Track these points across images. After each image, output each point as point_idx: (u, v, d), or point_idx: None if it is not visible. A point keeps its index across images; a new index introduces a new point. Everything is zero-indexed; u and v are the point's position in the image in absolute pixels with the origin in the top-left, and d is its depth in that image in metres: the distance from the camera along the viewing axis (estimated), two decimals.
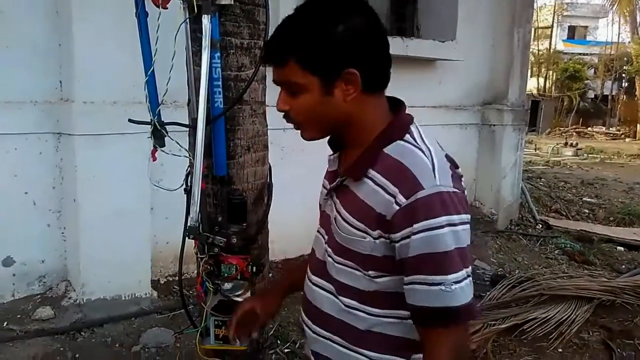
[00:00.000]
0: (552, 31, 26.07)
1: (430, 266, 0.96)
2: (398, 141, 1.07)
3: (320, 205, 1.27)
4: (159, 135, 1.54)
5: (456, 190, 1.00)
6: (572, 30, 29.63)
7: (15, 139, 3.01)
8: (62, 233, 3.21)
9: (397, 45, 4.56)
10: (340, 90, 1.07)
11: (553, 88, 25.64)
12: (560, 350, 3.23)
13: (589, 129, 22.77)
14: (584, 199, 7.43)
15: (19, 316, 2.95)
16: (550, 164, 11.78)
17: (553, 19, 25.94)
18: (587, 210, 6.84)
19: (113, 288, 3.18)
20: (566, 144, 16.73)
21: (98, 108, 3.04)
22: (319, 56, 1.03)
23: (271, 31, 1.14)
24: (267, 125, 1.73)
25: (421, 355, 1.04)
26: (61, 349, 2.74)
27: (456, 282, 0.95)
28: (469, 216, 1.00)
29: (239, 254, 1.54)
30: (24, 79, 3.01)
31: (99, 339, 2.87)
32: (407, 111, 1.20)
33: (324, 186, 1.26)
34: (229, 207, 1.57)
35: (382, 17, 5.03)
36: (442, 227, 0.95)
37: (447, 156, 1.10)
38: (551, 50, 25.92)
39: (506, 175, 5.62)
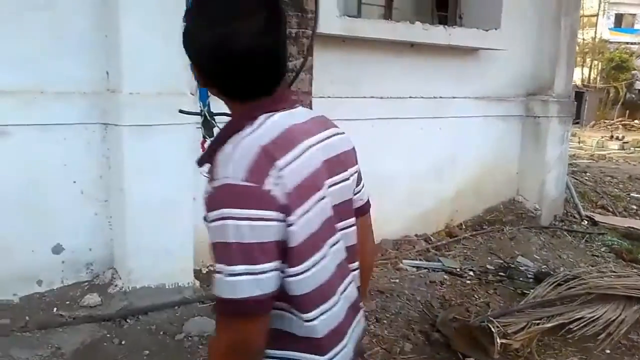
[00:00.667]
0: (597, 19, 25.13)
1: (216, 254, 0.95)
2: (236, 134, 1.02)
3: None
4: (208, 126, 1.53)
5: (249, 184, 0.94)
6: (618, 18, 28.47)
7: (64, 129, 3.08)
8: (109, 222, 3.28)
9: (440, 34, 4.47)
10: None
11: (598, 79, 24.76)
12: (607, 351, 3.12)
13: (636, 121, 21.90)
14: (631, 194, 7.14)
15: (67, 302, 3.03)
16: (595, 158, 11.40)
17: (599, 6, 25.00)
18: (635, 207, 6.58)
19: (157, 276, 3.23)
20: (612, 137, 16.17)
21: (143, 99, 3.08)
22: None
23: None
24: None
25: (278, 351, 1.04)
26: (108, 335, 2.81)
27: (231, 275, 0.92)
28: (263, 212, 0.94)
29: None
30: (72, 70, 3.07)
31: (144, 326, 2.93)
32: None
33: None
34: None
35: (425, 5, 4.96)
36: (221, 219, 0.93)
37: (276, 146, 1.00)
38: (596, 40, 25.01)
39: (551, 170, 5.46)
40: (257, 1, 1.00)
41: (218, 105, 3.39)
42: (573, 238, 5.18)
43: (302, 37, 1.57)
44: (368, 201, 1.26)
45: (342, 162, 1.13)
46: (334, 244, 1.07)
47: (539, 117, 5.39)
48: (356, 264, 1.18)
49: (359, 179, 1.21)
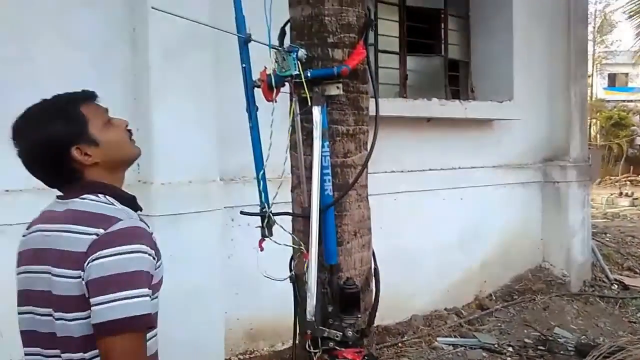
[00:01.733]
0: (592, 80, 25.82)
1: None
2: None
3: None
4: (269, 226, 1.51)
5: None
6: (612, 77, 29.26)
7: None
8: None
9: (456, 109, 4.57)
10: None
11: (598, 136, 25.08)
12: None
13: None
14: None
15: None
16: (610, 216, 11.31)
17: (593, 67, 25.75)
18: None
19: None
20: (620, 193, 16.11)
21: (175, 188, 3.09)
22: None
23: None
24: (369, 209, 1.70)
25: None
26: None
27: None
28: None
29: (353, 347, 1.47)
30: None
31: None
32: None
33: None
34: (342, 298, 1.51)
35: (439, 81, 5.09)
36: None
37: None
38: (593, 99, 25.55)
39: (575, 234, 5.39)
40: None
41: (238, 189, 3.37)
42: (606, 304, 5.03)
43: (359, 133, 1.59)
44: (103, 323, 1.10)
45: (41, 257, 1.21)
46: None
47: (558, 182, 5.39)
48: None
49: (90, 290, 1.11)
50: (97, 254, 1.11)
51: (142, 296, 1.11)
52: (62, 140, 1.22)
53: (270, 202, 1.51)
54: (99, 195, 1.24)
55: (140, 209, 1.32)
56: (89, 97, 1.29)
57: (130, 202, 1.29)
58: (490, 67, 5.19)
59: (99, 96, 1.31)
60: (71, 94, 1.28)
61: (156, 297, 1.26)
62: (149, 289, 1.15)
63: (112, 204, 1.24)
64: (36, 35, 2.82)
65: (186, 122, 3.12)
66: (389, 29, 4.71)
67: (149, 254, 1.16)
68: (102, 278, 1.10)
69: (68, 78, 2.90)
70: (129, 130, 1.34)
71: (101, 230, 1.14)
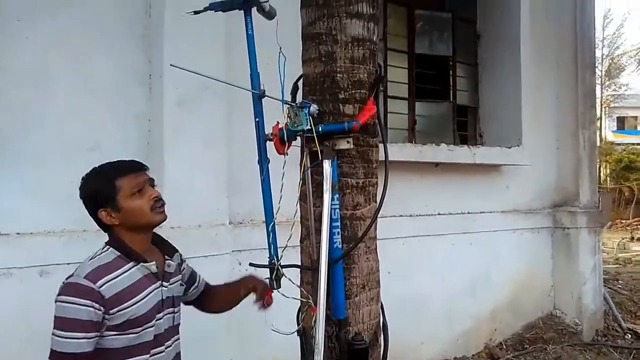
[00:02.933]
0: (601, 123, 25.89)
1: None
2: None
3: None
4: (278, 278, 1.51)
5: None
6: (621, 120, 29.35)
7: None
8: None
9: (465, 154, 4.59)
10: None
11: (608, 180, 24.96)
12: None
13: None
14: None
15: None
16: (622, 262, 11.13)
17: (601, 111, 25.87)
18: None
19: None
20: (632, 238, 15.90)
21: (185, 232, 3.10)
22: None
23: None
24: (378, 261, 1.70)
25: None
26: None
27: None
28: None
29: None
30: None
31: None
32: None
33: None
34: (350, 354, 1.50)
35: (447, 126, 5.13)
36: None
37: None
38: (603, 142, 25.56)
39: (586, 281, 5.31)
40: None
41: (247, 233, 3.39)
42: (620, 355, 4.89)
43: (369, 186, 1.60)
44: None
45: None
46: None
47: (568, 228, 5.35)
48: None
49: None
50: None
51: (70, 338, 1.47)
52: (95, 202, 1.61)
53: (279, 255, 1.51)
54: (107, 247, 1.62)
55: (144, 261, 1.60)
56: (133, 169, 1.65)
57: (133, 255, 1.60)
58: (498, 112, 5.24)
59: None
60: (118, 166, 1.65)
61: (133, 333, 1.57)
62: (86, 332, 1.48)
63: (94, 257, 1.59)
64: (57, 79, 2.90)
65: (197, 167, 3.16)
66: (398, 75, 4.79)
67: (86, 306, 1.48)
68: (54, 316, 1.50)
69: (85, 121, 2.99)
70: (157, 200, 1.65)
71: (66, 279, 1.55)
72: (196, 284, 1.95)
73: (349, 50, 1.55)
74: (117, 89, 3.09)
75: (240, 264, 3.44)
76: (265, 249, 1.58)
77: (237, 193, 3.36)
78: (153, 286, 1.61)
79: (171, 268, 1.69)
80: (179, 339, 1.79)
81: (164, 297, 1.65)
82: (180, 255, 1.84)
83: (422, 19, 4.96)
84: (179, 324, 1.78)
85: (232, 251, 3.35)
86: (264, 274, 1.60)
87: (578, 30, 5.43)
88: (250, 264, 1.61)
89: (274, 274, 1.51)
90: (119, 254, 1.59)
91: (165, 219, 1.68)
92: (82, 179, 1.65)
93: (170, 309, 1.70)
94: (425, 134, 4.98)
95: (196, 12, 1.59)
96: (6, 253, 2.69)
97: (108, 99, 3.06)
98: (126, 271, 1.57)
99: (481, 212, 4.90)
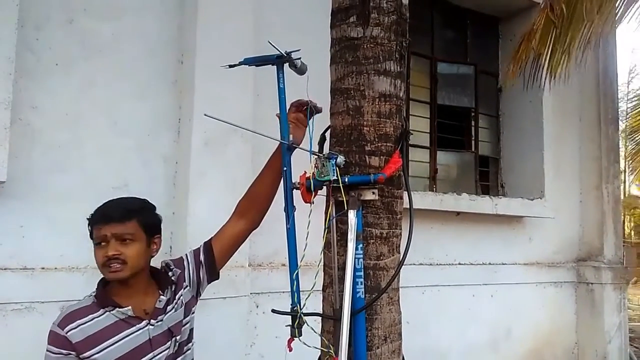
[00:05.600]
0: (624, 176, 25.55)
1: None
2: None
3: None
4: (300, 326, 1.52)
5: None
6: None
7: None
8: None
9: (486, 205, 4.58)
10: (153, 245, 1.74)
11: (632, 233, 24.43)
12: None
13: None
14: None
15: None
16: None
17: (625, 164, 25.58)
18: None
19: None
20: None
21: None
22: (152, 222, 1.76)
23: None
24: (401, 312, 1.69)
25: None
26: None
27: None
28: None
29: None
30: None
31: None
32: None
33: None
34: None
35: (469, 175, 5.14)
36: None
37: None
38: (626, 196, 25.15)
39: (611, 340, 5.15)
40: None
41: (264, 275, 3.40)
42: None
43: (393, 237, 1.62)
44: None
45: None
46: None
47: (592, 283, 5.24)
48: None
49: None
50: None
51: None
52: None
53: (302, 303, 1.52)
54: (92, 291, 1.70)
55: (119, 306, 1.63)
56: (103, 219, 1.64)
57: (105, 301, 1.64)
58: (520, 164, 5.24)
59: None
60: (97, 212, 1.68)
61: None
62: None
63: (76, 302, 1.66)
64: (89, 121, 3.01)
65: (221, 209, 3.15)
66: (420, 124, 4.85)
67: (52, 352, 1.57)
68: None
69: (114, 162, 3.08)
70: (109, 259, 1.62)
71: None
72: (204, 259, 1.85)
73: (376, 105, 1.61)
74: (147, 131, 3.19)
75: (257, 306, 3.43)
76: (283, 292, 1.60)
77: (257, 235, 3.35)
78: (133, 329, 1.62)
79: (161, 303, 1.69)
80: (189, 348, 1.82)
81: (151, 337, 1.64)
82: (172, 278, 1.78)
83: (445, 71, 5.06)
84: (183, 349, 1.77)
85: (251, 293, 3.36)
86: (285, 321, 1.60)
87: (601, 85, 5.47)
88: (273, 311, 1.62)
89: (296, 322, 1.51)
90: (95, 300, 1.65)
91: (118, 278, 1.63)
92: None
93: (166, 345, 1.68)
94: (447, 183, 4.99)
95: (231, 66, 1.66)
96: (30, 287, 2.74)
97: (137, 141, 3.16)
98: (98, 316, 1.61)
99: (503, 264, 4.83)
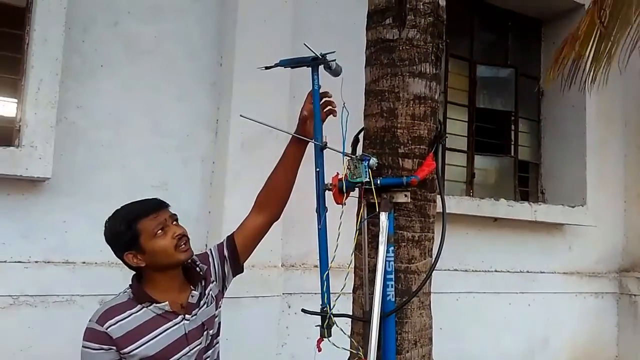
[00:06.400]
0: None
1: None
2: None
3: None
4: (329, 326, 1.52)
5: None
6: None
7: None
8: None
9: (525, 211, 4.48)
10: None
11: None
12: None
13: None
14: None
15: None
16: None
17: None
18: None
19: None
20: None
21: None
22: None
23: None
24: (432, 317, 1.68)
25: None
26: None
27: None
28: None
29: None
30: None
31: None
32: None
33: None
34: None
35: (508, 181, 5.03)
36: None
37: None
38: None
39: None
40: None
41: (297, 276, 3.41)
42: None
43: (425, 240, 1.61)
44: None
45: None
46: None
47: (635, 295, 5.05)
48: None
49: None
50: None
51: None
52: (119, 246, 1.64)
53: (332, 303, 1.53)
54: (127, 288, 1.69)
55: (156, 302, 1.64)
56: (153, 209, 1.66)
57: (142, 298, 1.65)
58: (561, 170, 5.10)
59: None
60: (138, 208, 1.66)
61: None
62: None
63: (112, 300, 1.66)
64: (130, 121, 3.10)
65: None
66: (458, 128, 4.79)
67: (92, 349, 1.58)
68: None
69: (153, 162, 3.15)
70: (181, 237, 1.65)
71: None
72: (228, 254, 1.86)
73: (410, 107, 1.60)
74: (186, 132, 3.26)
75: (289, 306, 3.46)
76: (315, 293, 1.60)
77: (290, 236, 3.42)
78: (170, 323, 1.65)
79: (194, 298, 1.70)
80: (217, 342, 1.84)
81: (187, 331, 1.67)
82: (203, 272, 1.80)
83: (485, 73, 4.97)
84: (213, 342, 1.80)
85: (283, 293, 3.38)
86: (316, 322, 1.61)
87: None
88: (303, 310, 1.63)
89: (326, 322, 1.52)
90: (132, 295, 1.66)
91: (190, 256, 1.69)
92: (105, 222, 1.68)
93: (200, 339, 1.70)
94: (484, 188, 4.90)
95: (267, 68, 1.69)
96: (71, 281, 2.84)
97: (177, 141, 3.23)
98: (136, 312, 1.62)
99: (541, 272, 4.71)
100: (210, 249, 1.89)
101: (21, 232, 2.79)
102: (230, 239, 1.88)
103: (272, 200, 1.88)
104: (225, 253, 1.85)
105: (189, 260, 1.75)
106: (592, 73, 3.23)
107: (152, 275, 1.67)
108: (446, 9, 1.72)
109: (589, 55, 3.18)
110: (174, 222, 1.69)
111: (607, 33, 2.92)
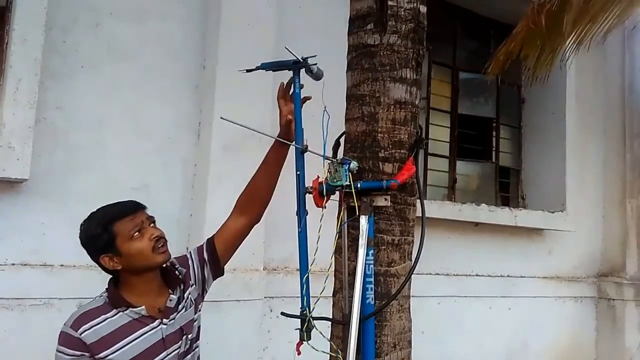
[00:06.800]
0: None
1: None
2: None
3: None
4: (308, 330, 1.52)
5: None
6: None
7: None
8: None
9: (505, 216, 4.52)
10: None
11: None
12: None
13: None
14: None
15: None
16: None
17: None
18: None
19: None
20: None
21: None
22: None
23: None
24: (411, 320, 1.69)
25: None
26: None
27: None
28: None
29: None
30: None
31: None
32: None
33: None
34: None
35: (489, 186, 5.09)
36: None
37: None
38: None
39: (632, 358, 5.01)
40: None
41: (279, 280, 3.41)
42: None
43: (404, 244, 1.62)
44: None
45: None
46: None
47: (613, 299, 5.12)
48: None
49: None
50: None
51: None
52: (95, 249, 1.62)
53: (311, 307, 1.53)
54: (103, 292, 1.67)
55: (132, 306, 1.62)
56: (130, 211, 1.64)
57: (118, 302, 1.63)
58: (542, 176, 5.17)
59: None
60: (114, 210, 1.63)
61: None
62: None
63: (87, 304, 1.64)
64: (111, 123, 3.07)
65: None
66: (440, 134, 4.83)
67: (64, 353, 1.57)
68: None
69: (134, 164, 3.12)
70: (158, 239, 1.63)
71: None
72: (208, 257, 1.84)
73: (391, 112, 1.61)
74: (167, 134, 3.24)
75: (271, 310, 3.44)
76: (297, 297, 1.60)
77: (273, 240, 3.41)
78: (146, 328, 1.62)
79: (172, 302, 1.68)
80: (197, 346, 1.81)
81: (164, 336, 1.64)
82: (182, 276, 1.78)
83: (466, 81, 5.03)
84: (193, 346, 1.77)
85: (265, 297, 3.37)
86: (295, 324, 1.60)
87: (626, 99, 5.37)
88: (282, 314, 1.62)
89: (305, 326, 1.52)
90: (107, 300, 1.63)
91: (168, 258, 1.67)
92: (81, 225, 1.65)
93: (178, 343, 1.68)
94: (466, 193, 4.95)
95: (248, 71, 1.69)
96: (49, 283, 2.79)
97: (158, 144, 3.20)
98: (111, 317, 1.60)
99: (521, 277, 4.77)
100: (190, 252, 1.86)
101: None
102: (210, 241, 1.86)
103: (253, 203, 1.87)
104: (205, 256, 1.83)
105: (168, 263, 1.73)
106: (533, 71, 3.48)
107: (128, 278, 1.64)
108: (429, 17, 1.74)
109: (527, 55, 3.44)
110: (152, 224, 1.67)
111: (543, 39, 3.14)
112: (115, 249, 1.59)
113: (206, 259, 1.83)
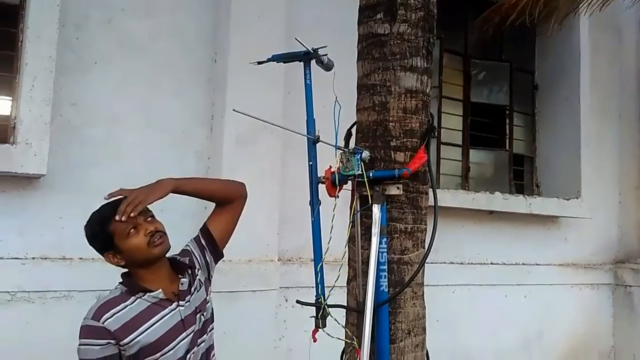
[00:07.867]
0: None
1: None
2: None
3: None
4: (324, 317, 1.54)
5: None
6: None
7: None
8: None
9: (520, 204, 4.50)
10: None
11: None
12: None
13: None
14: None
15: None
16: None
17: None
18: None
19: None
20: None
21: (234, 266, 3.19)
22: None
23: None
24: (425, 307, 1.70)
25: None
26: None
27: None
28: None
29: None
30: (172, 238, 3.26)
31: None
32: None
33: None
34: None
35: (503, 174, 5.06)
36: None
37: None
38: None
39: None
40: None
41: (294, 270, 3.43)
42: None
43: (417, 232, 1.63)
44: None
45: None
46: None
47: (630, 286, 5.08)
48: None
49: None
50: None
51: None
52: (98, 247, 1.70)
53: (326, 294, 1.55)
54: (118, 284, 1.72)
55: (149, 291, 1.67)
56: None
57: (136, 289, 1.68)
58: (556, 163, 5.12)
59: None
60: (110, 210, 1.64)
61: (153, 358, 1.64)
62: None
63: (104, 297, 1.68)
64: (125, 117, 3.11)
65: (251, 204, 3.23)
66: (453, 122, 4.81)
67: (91, 345, 1.60)
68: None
69: (149, 157, 3.16)
70: (153, 234, 1.66)
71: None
72: (206, 243, 1.89)
73: (402, 101, 1.62)
74: (181, 128, 3.27)
75: (286, 300, 3.48)
76: (312, 287, 1.62)
77: (287, 230, 3.44)
78: (166, 311, 1.67)
79: (184, 285, 1.73)
80: (212, 329, 1.85)
81: (183, 317, 1.69)
82: (188, 262, 1.83)
83: (479, 68, 4.99)
84: (207, 327, 1.81)
85: (280, 287, 3.41)
86: (312, 313, 1.62)
87: None
88: (297, 302, 1.65)
89: (320, 313, 1.54)
90: (125, 289, 1.68)
91: (165, 249, 1.70)
92: (85, 225, 1.71)
93: (194, 325, 1.72)
94: (480, 182, 4.93)
95: (260, 63, 1.70)
96: (68, 277, 2.85)
97: (171, 137, 3.24)
98: (130, 304, 1.65)
99: (537, 264, 4.75)
100: (187, 244, 1.91)
101: (17, 229, 2.80)
102: (204, 228, 1.91)
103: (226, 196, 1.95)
104: (203, 242, 1.88)
105: (173, 256, 1.79)
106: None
107: (137, 271, 1.70)
108: (441, 4, 1.73)
109: None
110: (149, 219, 1.70)
111: None
112: (115, 247, 1.65)
113: (204, 245, 1.88)
